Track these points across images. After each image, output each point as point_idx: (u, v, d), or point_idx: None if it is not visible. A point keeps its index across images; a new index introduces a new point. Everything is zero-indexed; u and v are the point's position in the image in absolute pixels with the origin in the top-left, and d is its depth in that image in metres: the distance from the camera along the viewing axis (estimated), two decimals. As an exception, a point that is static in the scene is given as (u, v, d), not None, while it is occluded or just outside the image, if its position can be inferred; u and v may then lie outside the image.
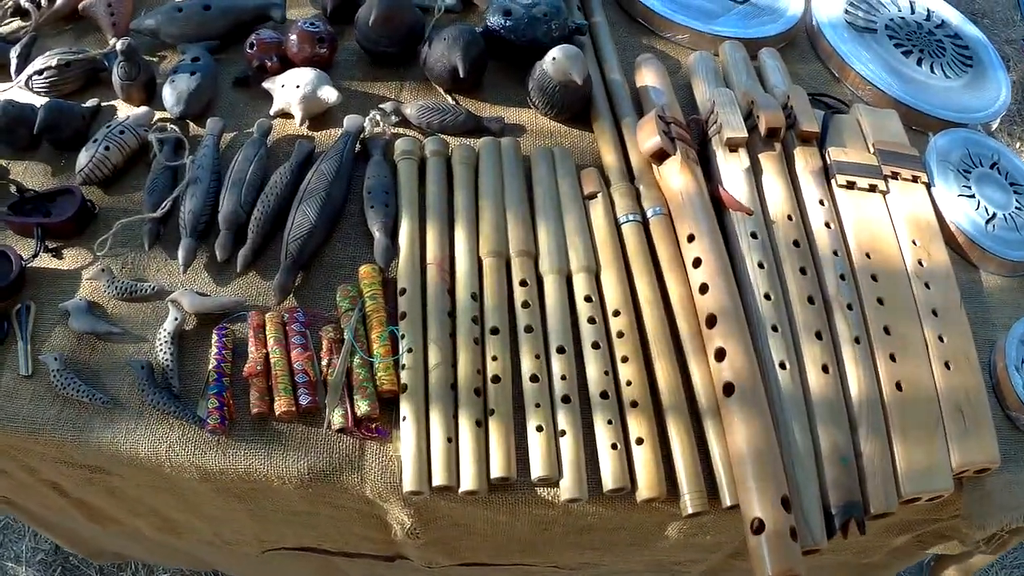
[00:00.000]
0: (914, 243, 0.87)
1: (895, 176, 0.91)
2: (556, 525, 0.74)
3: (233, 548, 0.94)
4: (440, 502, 0.70)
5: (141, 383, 0.72)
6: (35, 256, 0.80)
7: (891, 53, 1.07)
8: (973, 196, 0.96)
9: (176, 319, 0.74)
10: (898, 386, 0.78)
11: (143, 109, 0.87)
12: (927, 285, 0.84)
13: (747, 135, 0.85)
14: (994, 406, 0.84)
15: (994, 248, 0.93)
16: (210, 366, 0.72)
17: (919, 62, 1.07)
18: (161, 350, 0.73)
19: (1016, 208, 0.98)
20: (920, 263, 0.86)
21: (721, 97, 0.88)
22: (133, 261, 0.80)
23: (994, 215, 0.95)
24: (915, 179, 0.92)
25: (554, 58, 0.86)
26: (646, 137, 0.84)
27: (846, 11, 1.10)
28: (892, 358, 0.79)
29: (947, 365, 0.81)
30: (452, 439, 0.69)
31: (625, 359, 0.73)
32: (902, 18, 1.12)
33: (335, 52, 0.94)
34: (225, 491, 0.75)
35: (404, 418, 0.69)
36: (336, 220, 0.81)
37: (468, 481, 0.67)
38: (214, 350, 0.73)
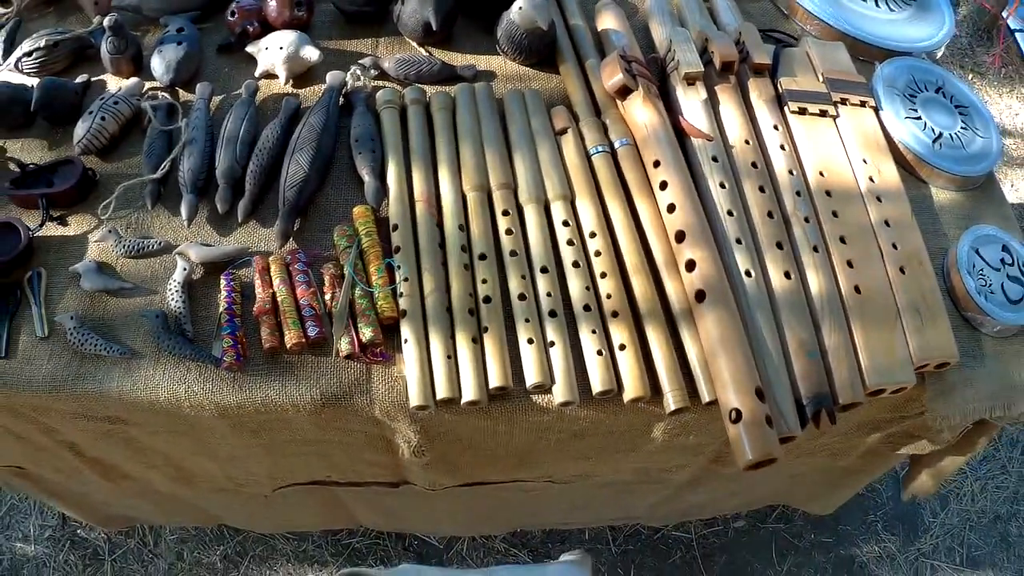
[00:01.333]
0: (865, 161, 0.99)
1: (844, 102, 1.03)
2: (551, 432, 0.85)
3: (245, 490, 1.03)
4: (444, 416, 0.80)
5: (156, 331, 0.81)
6: (42, 225, 0.89)
7: (837, -10, 1.19)
8: (920, 118, 1.08)
9: (185, 269, 0.84)
10: (856, 289, 0.89)
11: (134, 80, 0.96)
12: (879, 199, 0.96)
13: (703, 69, 0.97)
14: (951, 309, 0.96)
15: (942, 164, 1.05)
16: (221, 309, 0.82)
17: (864, -2, 1.19)
18: (173, 299, 0.83)
19: (962, 128, 1.10)
20: (871, 179, 0.98)
21: (678, 36, 0.99)
22: (137, 222, 0.89)
23: (940, 135, 1.08)
24: (863, 104, 1.04)
25: (520, 7, 0.97)
26: (609, 75, 0.95)
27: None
28: (849, 264, 0.91)
29: (902, 270, 0.92)
30: (451, 356, 0.79)
31: (604, 275, 0.84)
32: (848, -42, 1.24)
33: (312, 14, 1.04)
34: (241, 426, 0.84)
35: (406, 341, 0.79)
36: (327, 168, 0.91)
37: (470, 392, 0.77)
38: (223, 294, 0.82)
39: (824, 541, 1.57)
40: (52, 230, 0.90)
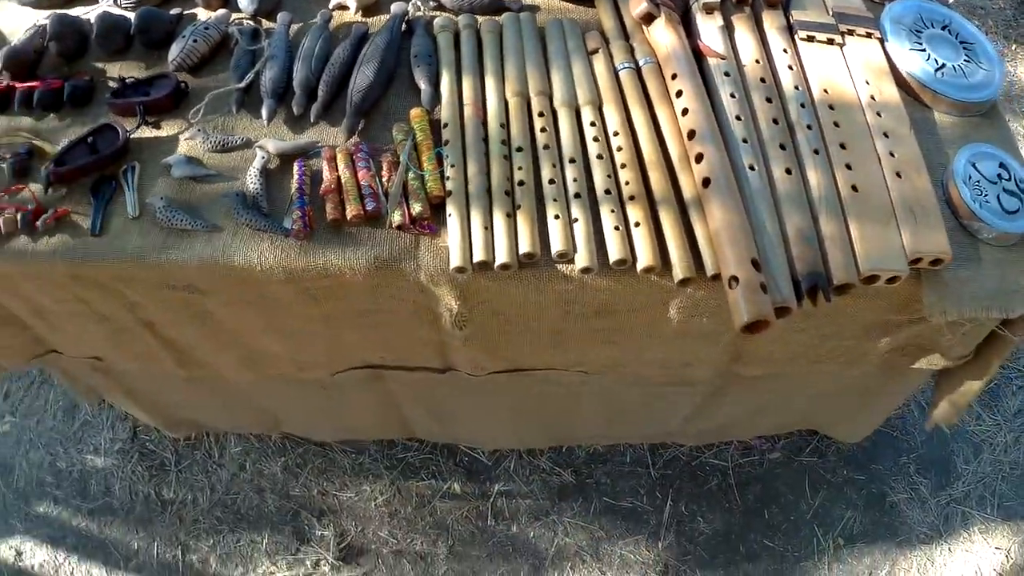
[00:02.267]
0: (867, 83, 1.13)
1: (851, 33, 1.17)
2: (576, 304, 1.00)
3: (306, 375, 1.21)
4: (481, 281, 0.97)
5: (235, 207, 1.00)
6: (138, 127, 1.09)
7: (852, -61, 1.34)
8: (924, 50, 1.22)
9: (263, 157, 1.03)
10: (854, 187, 1.03)
11: (222, 11, 1.17)
12: (879, 114, 1.10)
13: (720, 0, 1.13)
14: (949, 217, 1.09)
15: (944, 90, 1.18)
16: (293, 189, 1.00)
17: (879, -55, 1.34)
18: (251, 182, 1.01)
19: (965, 61, 1.24)
20: (872, 97, 1.12)
21: (698, -28, 1.16)
22: (223, 125, 1.09)
23: (943, 65, 1.21)
24: (869, 35, 1.18)
25: (560, -53, 1.15)
26: (636, 4, 1.12)
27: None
28: (848, 166, 1.05)
29: (898, 174, 1.06)
30: (488, 228, 0.96)
31: (623, 166, 1.00)
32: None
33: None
34: (305, 292, 1.02)
35: (450, 215, 0.96)
36: (390, 80, 1.10)
37: (503, 255, 0.94)
38: (295, 177, 1.01)
39: (857, 478, 1.68)
40: (148, 132, 1.09)
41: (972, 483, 1.68)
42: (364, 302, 1.03)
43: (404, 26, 1.15)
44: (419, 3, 1.16)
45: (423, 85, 1.07)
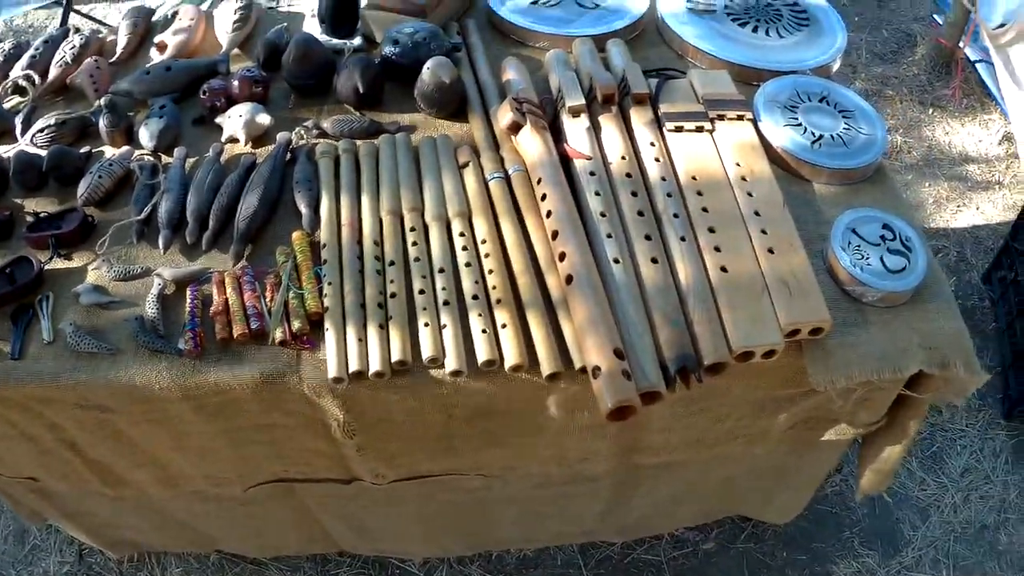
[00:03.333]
0: (738, 164, 1.23)
1: (721, 118, 1.28)
2: (456, 407, 1.09)
3: (220, 491, 1.30)
4: (360, 390, 1.06)
5: (135, 331, 1.11)
6: (51, 259, 1.22)
7: (728, 26, 1.47)
8: (800, 124, 1.32)
9: (160, 284, 1.14)
10: (723, 269, 1.12)
11: (125, 148, 1.31)
12: (750, 194, 1.20)
13: (584, 102, 1.25)
14: (830, 286, 1.17)
15: (821, 161, 1.28)
16: (186, 312, 1.11)
17: (755, 29, 1.47)
18: (150, 308, 1.13)
19: (844, 129, 1.34)
20: (743, 178, 1.22)
21: (565, 79, 1.28)
22: (126, 255, 1.21)
23: (820, 136, 1.31)
24: (740, 117, 1.29)
25: (428, 67, 1.29)
26: (503, 115, 1.25)
27: (687, 0, 1.52)
28: (717, 249, 1.14)
29: (771, 251, 1.15)
30: (362, 339, 1.06)
31: (491, 271, 1.10)
32: (742, -2, 1.53)
33: (269, 90, 1.39)
34: (201, 409, 1.12)
35: (327, 329, 1.07)
36: (274, 206, 1.22)
37: (375, 364, 1.03)
38: (188, 302, 1.12)
39: (798, 559, 1.71)
40: (59, 264, 1.22)
41: (923, 548, 1.70)
42: (258, 416, 1.13)
43: (288, 154, 1.29)
44: (302, 131, 1.29)
45: (303, 209, 1.20)
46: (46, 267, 1.21)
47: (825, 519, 1.72)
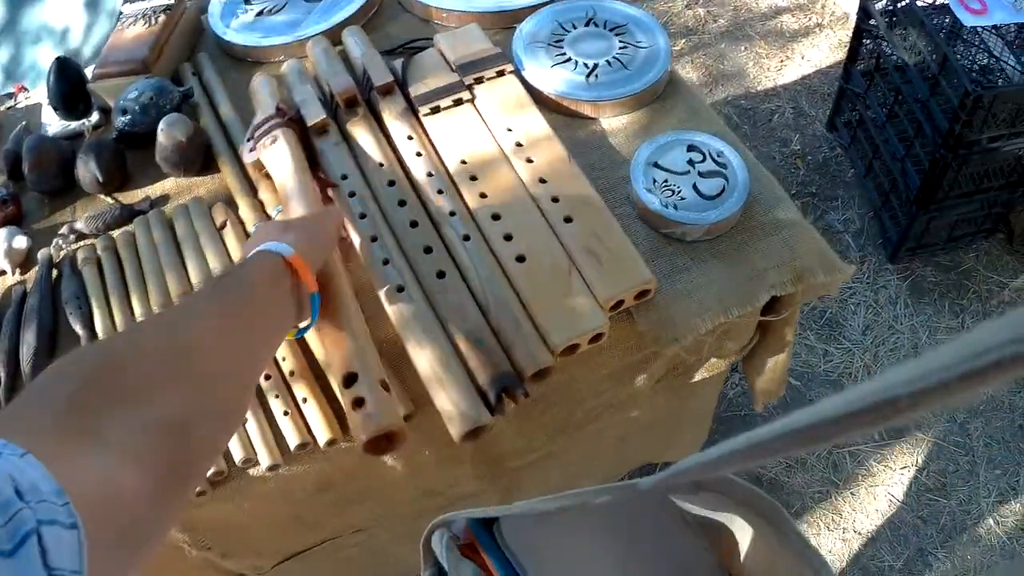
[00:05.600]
0: (509, 129, 1.08)
1: (480, 81, 1.12)
2: (292, 493, 0.96)
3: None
4: (189, 510, 0.93)
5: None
6: None
7: (468, -27, 1.29)
8: (569, 59, 1.17)
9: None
10: (519, 259, 0.98)
11: None
12: (529, 160, 1.05)
13: (325, 116, 1.07)
14: (648, 233, 1.05)
15: (601, 95, 1.14)
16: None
17: (498, -33, 1.29)
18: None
19: (620, 48, 1.19)
20: (519, 144, 1.07)
21: (299, 93, 1.10)
22: None
23: (595, 66, 1.16)
24: (501, 73, 1.13)
25: (161, 129, 1.11)
26: (246, 154, 1.07)
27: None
28: (507, 238, 1.00)
29: (567, 219, 1.01)
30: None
31: (271, 345, 0.95)
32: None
33: (20, 206, 1.21)
34: None
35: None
36: (54, 334, 1.07)
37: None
38: None
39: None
40: None
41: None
42: None
43: (56, 271, 1.11)
44: (59, 242, 1.12)
45: (80, 331, 1.04)
46: None
47: (735, 425, 1.65)
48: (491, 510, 0.80)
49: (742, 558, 0.80)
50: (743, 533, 0.77)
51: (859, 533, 1.62)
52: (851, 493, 1.64)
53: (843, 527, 1.62)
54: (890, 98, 1.74)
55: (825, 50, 2.28)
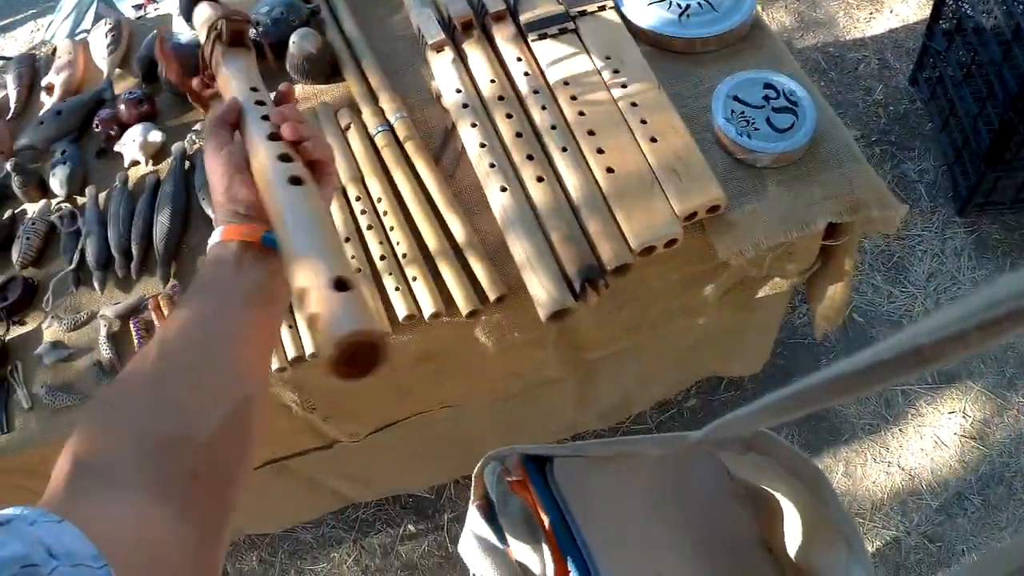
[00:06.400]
0: (608, 58, 1.21)
1: (583, 13, 1.25)
2: (401, 361, 1.14)
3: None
4: (304, 372, 1.12)
5: (98, 376, 1.18)
6: (7, 331, 1.28)
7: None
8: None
9: (106, 326, 1.20)
10: (609, 170, 1.12)
11: (42, 202, 1.34)
12: (623, 86, 1.19)
13: (444, 36, 1.22)
14: (724, 157, 1.17)
15: (693, 32, 1.25)
16: (135, 345, 1.17)
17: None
18: (103, 349, 1.19)
19: (712, -9, 1.29)
20: (616, 71, 1.20)
21: (420, 16, 1.26)
22: (71, 304, 1.27)
23: (687, 6, 1.28)
24: (602, 8, 1.26)
25: (293, 41, 1.27)
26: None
27: None
28: (600, 151, 1.14)
29: (653, 139, 1.15)
30: (292, 325, 1.10)
31: (392, 228, 1.13)
32: None
33: (155, 105, 1.39)
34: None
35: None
36: (186, 219, 1.25)
37: (310, 347, 1.09)
38: (134, 334, 1.18)
39: None
40: (16, 331, 1.28)
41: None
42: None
43: (188, 163, 1.30)
44: (194, 137, 1.30)
45: (210, 213, 1.22)
46: (7, 339, 1.27)
47: (798, 352, 1.76)
48: (544, 447, 0.85)
49: (783, 535, 0.85)
50: (788, 507, 0.83)
51: (903, 468, 1.72)
52: (899, 430, 1.74)
53: (888, 460, 1.72)
54: (967, 58, 1.79)
55: (913, 6, 2.31)
